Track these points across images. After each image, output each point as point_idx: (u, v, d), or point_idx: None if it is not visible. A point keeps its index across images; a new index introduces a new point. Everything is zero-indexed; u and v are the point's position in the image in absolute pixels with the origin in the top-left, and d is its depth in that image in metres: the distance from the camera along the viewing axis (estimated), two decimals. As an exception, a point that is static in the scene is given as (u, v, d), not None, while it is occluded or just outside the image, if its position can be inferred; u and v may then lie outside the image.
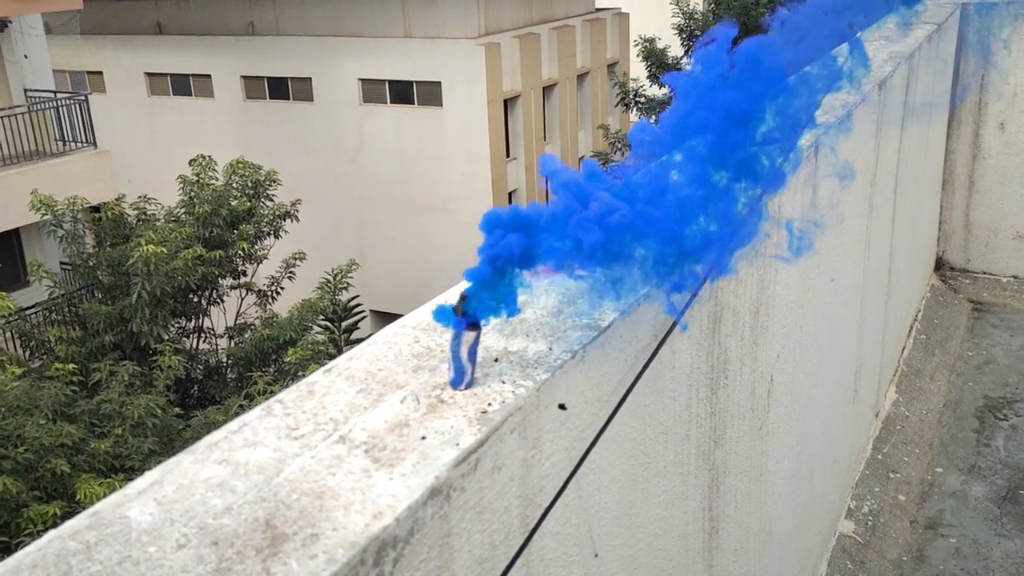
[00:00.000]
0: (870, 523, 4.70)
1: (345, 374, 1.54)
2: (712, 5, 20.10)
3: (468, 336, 1.49)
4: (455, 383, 1.49)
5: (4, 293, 10.74)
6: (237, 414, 9.54)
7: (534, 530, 1.49)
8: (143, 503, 1.19)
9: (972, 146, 7.50)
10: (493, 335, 1.66)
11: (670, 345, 1.96)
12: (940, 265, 7.86)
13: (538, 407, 1.50)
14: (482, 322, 1.54)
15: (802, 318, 3.30)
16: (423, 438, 1.34)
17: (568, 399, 1.60)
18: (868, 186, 4.29)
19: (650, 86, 20.58)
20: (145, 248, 10.73)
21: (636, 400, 1.83)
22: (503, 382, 1.50)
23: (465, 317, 1.50)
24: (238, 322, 13.46)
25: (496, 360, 1.57)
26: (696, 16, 19.85)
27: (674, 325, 1.95)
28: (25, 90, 14.88)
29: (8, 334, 11.77)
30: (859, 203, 4.14)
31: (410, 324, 1.72)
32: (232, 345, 13.07)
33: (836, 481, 4.48)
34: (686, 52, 19.86)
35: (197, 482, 1.23)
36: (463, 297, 1.51)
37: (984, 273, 7.76)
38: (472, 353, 1.49)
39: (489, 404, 1.43)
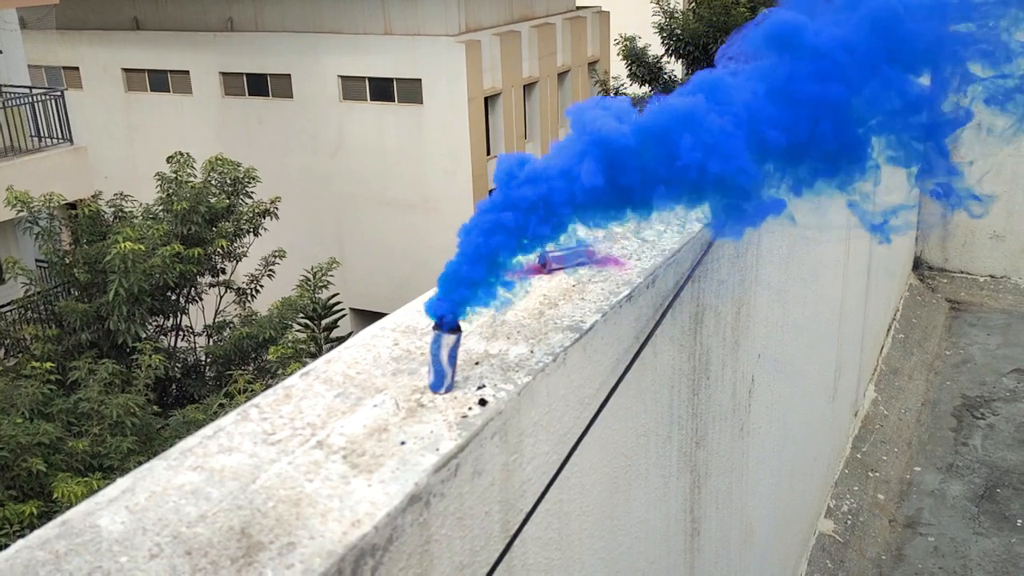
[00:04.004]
0: (849, 522, 4.72)
1: (323, 377, 1.51)
2: (692, 4, 20.16)
3: (448, 339, 1.47)
4: (435, 387, 1.47)
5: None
6: (217, 413, 9.49)
7: (515, 535, 1.47)
8: (114, 511, 1.16)
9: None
10: (474, 338, 1.64)
11: (652, 347, 1.95)
12: (918, 264, 7.90)
13: (519, 411, 1.48)
14: (462, 323, 1.52)
15: (783, 318, 3.30)
16: (402, 443, 1.32)
17: (550, 403, 1.58)
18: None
19: (630, 84, 20.59)
20: (123, 245, 10.61)
21: (618, 402, 1.82)
22: (484, 385, 1.48)
23: (443, 323, 1.48)
24: (217, 320, 13.35)
25: (477, 363, 1.56)
26: (676, 15, 19.88)
27: (656, 327, 1.93)
28: (0, 85, 14.72)
29: (-17, 332, 11.64)
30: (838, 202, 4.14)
31: (389, 326, 1.70)
32: (211, 343, 12.97)
33: (816, 480, 4.49)
34: (667, 51, 19.86)
35: (170, 489, 1.21)
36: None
37: (961, 272, 7.81)
38: (452, 356, 1.48)
39: (470, 408, 1.42)
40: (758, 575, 3.39)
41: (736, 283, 2.60)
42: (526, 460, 1.52)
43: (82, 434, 9.14)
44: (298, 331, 13.45)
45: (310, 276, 13.20)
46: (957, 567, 4.49)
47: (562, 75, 25.15)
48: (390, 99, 21.79)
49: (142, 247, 10.85)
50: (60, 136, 14.71)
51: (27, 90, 14.85)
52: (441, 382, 1.47)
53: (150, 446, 9.32)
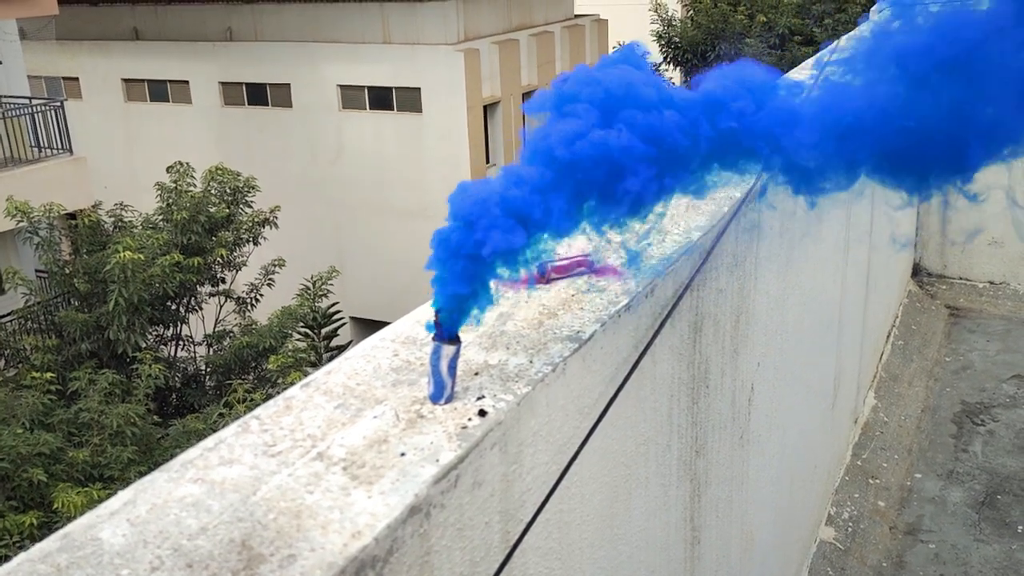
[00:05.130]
0: (850, 529, 4.72)
1: (323, 389, 1.52)
2: (690, 12, 20.20)
3: (448, 350, 1.47)
4: (435, 397, 1.47)
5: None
6: (216, 422, 9.48)
7: (515, 546, 1.47)
8: (116, 524, 1.16)
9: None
10: (474, 348, 1.64)
11: (651, 356, 1.95)
12: (917, 271, 7.91)
13: (519, 421, 1.49)
14: (461, 334, 1.52)
15: (782, 325, 3.30)
16: (402, 454, 1.32)
17: (549, 413, 1.59)
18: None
19: (629, 92, 20.59)
20: (122, 255, 10.62)
21: (617, 412, 1.82)
22: (483, 396, 1.49)
23: (442, 333, 1.48)
24: (217, 329, 13.35)
25: (476, 374, 1.56)
26: (674, 23, 19.94)
27: (655, 336, 1.94)
28: (0, 96, 14.74)
29: (-17, 342, 11.64)
30: (837, 209, 4.16)
31: (389, 337, 1.70)
32: (211, 353, 12.97)
33: (816, 488, 4.49)
34: (665, 59, 19.92)
35: (171, 502, 1.21)
36: (437, 314, 1.49)
37: (961, 279, 7.82)
38: (452, 367, 1.48)
39: (469, 419, 1.42)
40: (759, 583, 3.38)
41: (735, 291, 2.61)
42: (526, 470, 1.52)
43: (82, 444, 9.13)
44: (298, 340, 13.45)
45: (310, 285, 13.20)
46: (958, 574, 4.49)
47: (560, 83, 25.14)
48: (389, 108, 21.82)
49: (142, 257, 10.85)
50: (60, 146, 14.73)
51: (27, 100, 14.87)
52: (441, 393, 1.47)
53: (150, 456, 9.32)
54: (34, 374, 9.64)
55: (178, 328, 12.92)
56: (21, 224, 11.94)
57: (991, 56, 1.47)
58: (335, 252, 21.80)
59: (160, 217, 12.70)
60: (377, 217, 22.22)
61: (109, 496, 1.23)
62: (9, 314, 12.36)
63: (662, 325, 1.98)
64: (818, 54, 1.63)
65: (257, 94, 22.94)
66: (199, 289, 12.85)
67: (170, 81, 23.65)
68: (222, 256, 12.61)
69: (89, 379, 9.68)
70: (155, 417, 10.19)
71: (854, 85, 1.58)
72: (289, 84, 22.41)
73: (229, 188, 13.25)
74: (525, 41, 23.30)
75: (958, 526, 4.82)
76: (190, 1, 23.36)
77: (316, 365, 11.67)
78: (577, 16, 26.62)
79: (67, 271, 11.98)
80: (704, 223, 2.25)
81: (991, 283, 7.72)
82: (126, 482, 8.06)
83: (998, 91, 1.48)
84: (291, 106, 22.53)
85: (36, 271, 13.34)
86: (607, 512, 1.90)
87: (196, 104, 23.44)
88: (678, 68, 19.88)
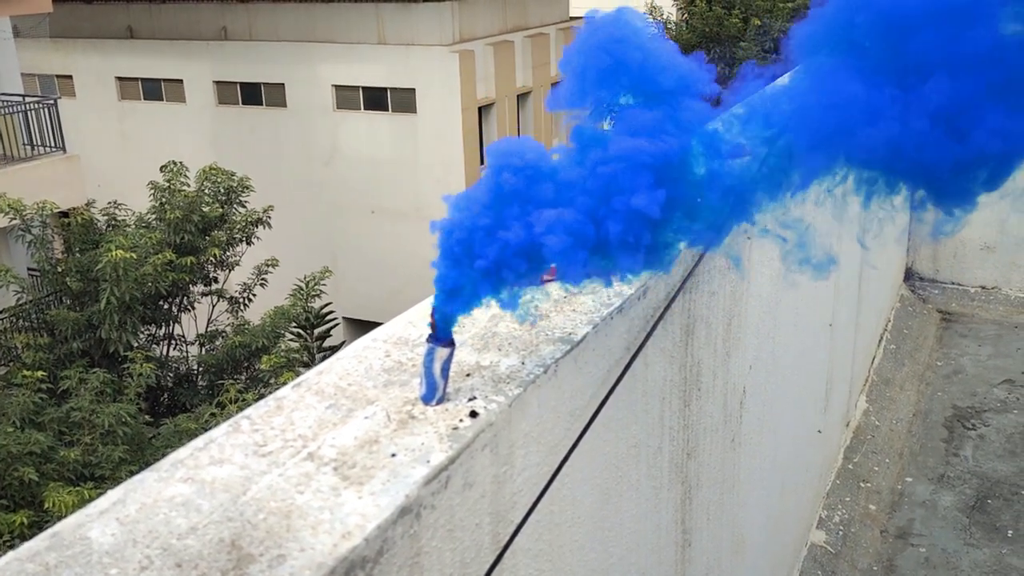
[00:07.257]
0: (841, 533, 4.72)
1: (314, 389, 1.52)
2: (685, 15, 20.23)
3: (442, 352, 1.47)
4: (427, 398, 1.48)
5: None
6: (208, 422, 9.46)
7: (506, 547, 1.47)
8: (105, 523, 1.16)
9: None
10: (466, 349, 1.65)
11: (643, 358, 1.95)
12: (909, 275, 7.93)
13: (510, 423, 1.49)
14: (455, 336, 1.52)
15: (774, 329, 3.31)
16: (393, 455, 1.32)
17: (541, 414, 1.59)
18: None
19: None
20: (114, 253, 10.60)
21: (608, 414, 1.82)
22: (475, 397, 1.49)
23: (437, 334, 1.48)
24: (209, 329, 13.32)
25: (468, 375, 1.56)
26: (670, 25, 19.96)
27: (647, 338, 1.94)
28: (-7, 93, 14.71)
29: (-26, 341, 11.60)
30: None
31: (381, 338, 1.70)
32: (203, 352, 12.94)
33: (807, 491, 4.50)
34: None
35: (161, 501, 1.21)
36: (434, 312, 1.49)
37: (952, 283, 7.84)
38: (445, 369, 1.48)
39: (460, 420, 1.42)
40: (749, 586, 3.39)
41: (727, 294, 2.61)
42: (517, 472, 1.52)
43: (73, 443, 9.11)
44: (291, 340, 13.43)
45: (303, 285, 13.17)
46: (948, 578, 4.50)
47: (555, 85, 25.17)
48: (384, 108, 21.81)
49: (134, 255, 10.82)
50: (53, 144, 14.69)
51: (20, 98, 14.83)
52: (433, 394, 1.47)
53: (141, 455, 9.29)
54: (25, 372, 9.61)
55: (170, 327, 12.89)
56: (14, 222, 11.91)
57: None
58: (328, 252, 21.78)
59: (153, 216, 12.67)
60: (371, 218, 22.21)
61: (100, 495, 1.23)
62: (1, 312, 12.32)
63: (654, 327, 1.98)
64: None
65: (251, 93, 22.92)
66: (192, 288, 12.82)
67: (164, 80, 23.61)
68: (215, 255, 12.59)
69: (80, 378, 9.65)
70: (146, 416, 10.17)
71: None
72: (283, 84, 22.39)
73: (223, 188, 13.23)
74: (520, 43, 23.31)
75: (948, 530, 4.84)
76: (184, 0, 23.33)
77: (309, 365, 11.66)
78: (572, 18, 26.63)
79: (59, 269, 11.94)
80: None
81: (983, 288, 7.74)
82: (117, 481, 8.04)
83: None
84: (285, 106, 22.52)
85: (28, 269, 13.29)
86: (598, 514, 1.90)
87: (190, 103, 23.41)
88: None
